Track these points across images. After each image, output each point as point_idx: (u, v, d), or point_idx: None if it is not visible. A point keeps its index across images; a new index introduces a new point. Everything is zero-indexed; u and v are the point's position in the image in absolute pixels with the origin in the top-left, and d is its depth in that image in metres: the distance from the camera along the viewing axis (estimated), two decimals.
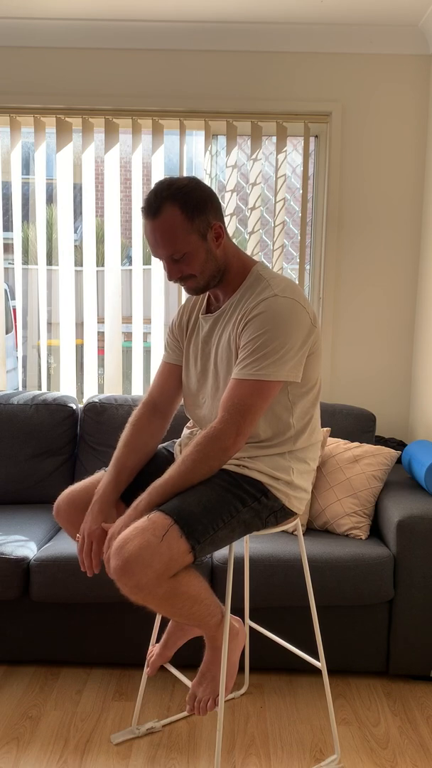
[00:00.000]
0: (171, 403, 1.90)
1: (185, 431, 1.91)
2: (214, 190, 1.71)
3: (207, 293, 1.83)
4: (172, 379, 1.88)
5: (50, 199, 4.11)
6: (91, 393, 3.21)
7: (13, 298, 5.99)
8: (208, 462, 1.61)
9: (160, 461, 1.86)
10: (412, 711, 2.22)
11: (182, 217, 1.60)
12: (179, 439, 1.90)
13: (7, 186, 6.17)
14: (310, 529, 2.52)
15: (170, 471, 1.63)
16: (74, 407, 2.91)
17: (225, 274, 1.72)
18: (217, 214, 1.67)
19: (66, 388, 3.19)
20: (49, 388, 3.30)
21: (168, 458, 1.87)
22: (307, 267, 3.24)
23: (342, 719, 2.17)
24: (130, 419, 1.88)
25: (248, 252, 3.07)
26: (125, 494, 1.79)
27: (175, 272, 1.67)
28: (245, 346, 1.62)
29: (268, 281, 1.68)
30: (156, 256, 1.67)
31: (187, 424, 1.94)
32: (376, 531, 2.52)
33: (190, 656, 2.23)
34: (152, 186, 3.02)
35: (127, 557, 1.50)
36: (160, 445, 1.94)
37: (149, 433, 1.85)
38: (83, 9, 2.76)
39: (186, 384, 1.86)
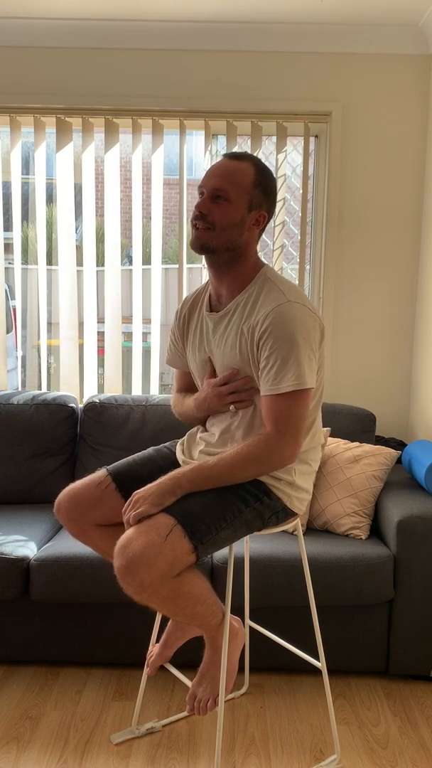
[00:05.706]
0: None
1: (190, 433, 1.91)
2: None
3: (208, 292, 1.82)
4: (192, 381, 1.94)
5: (50, 199, 4.10)
6: (91, 393, 3.21)
7: (13, 298, 5.98)
8: (261, 466, 1.64)
9: (161, 459, 1.86)
10: (412, 711, 2.22)
11: (251, 178, 1.66)
12: (181, 439, 1.90)
13: (7, 186, 6.16)
14: (310, 529, 2.52)
15: (219, 461, 1.63)
16: (74, 407, 2.91)
17: (236, 262, 1.71)
18: (269, 209, 1.72)
19: (66, 388, 3.19)
20: (49, 388, 3.30)
21: (170, 456, 1.87)
22: (307, 267, 3.24)
23: (342, 719, 2.17)
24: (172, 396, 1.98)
25: None
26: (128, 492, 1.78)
27: (205, 207, 1.66)
28: (270, 357, 1.62)
29: (278, 286, 1.68)
30: (201, 187, 1.68)
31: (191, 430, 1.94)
32: (376, 531, 2.52)
33: (190, 656, 2.22)
34: (152, 186, 3.05)
35: (131, 557, 1.50)
36: (163, 444, 1.94)
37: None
38: (83, 9, 2.75)
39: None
